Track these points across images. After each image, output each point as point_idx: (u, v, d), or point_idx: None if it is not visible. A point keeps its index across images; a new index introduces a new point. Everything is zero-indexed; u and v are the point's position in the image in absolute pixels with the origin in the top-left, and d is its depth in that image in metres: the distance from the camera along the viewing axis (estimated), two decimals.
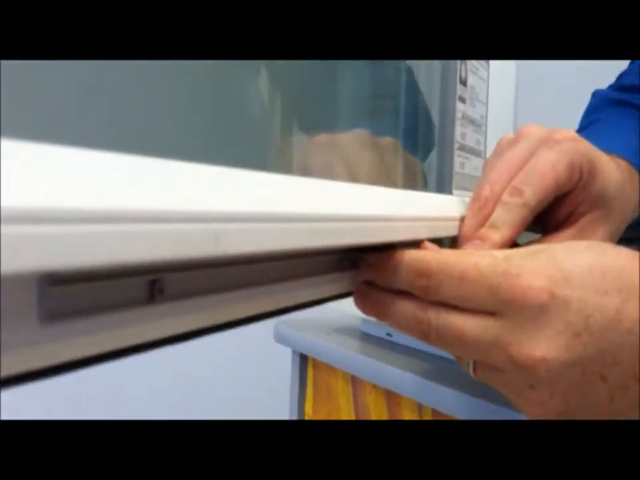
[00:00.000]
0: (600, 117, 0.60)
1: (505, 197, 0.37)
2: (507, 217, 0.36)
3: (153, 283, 0.21)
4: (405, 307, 0.31)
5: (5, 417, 1.10)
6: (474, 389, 0.49)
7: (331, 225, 0.24)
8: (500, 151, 0.41)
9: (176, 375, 1.44)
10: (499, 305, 0.28)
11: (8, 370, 0.16)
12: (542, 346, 0.27)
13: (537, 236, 0.42)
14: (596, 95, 0.63)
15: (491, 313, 0.28)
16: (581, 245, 0.29)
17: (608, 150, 0.45)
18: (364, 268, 0.33)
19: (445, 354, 0.59)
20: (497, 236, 0.36)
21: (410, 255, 0.31)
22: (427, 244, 0.34)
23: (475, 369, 0.31)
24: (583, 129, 0.62)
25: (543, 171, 0.37)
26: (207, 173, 0.20)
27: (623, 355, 0.26)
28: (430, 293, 0.30)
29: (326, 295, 0.32)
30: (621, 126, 0.55)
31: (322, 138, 0.45)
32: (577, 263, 0.27)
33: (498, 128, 0.46)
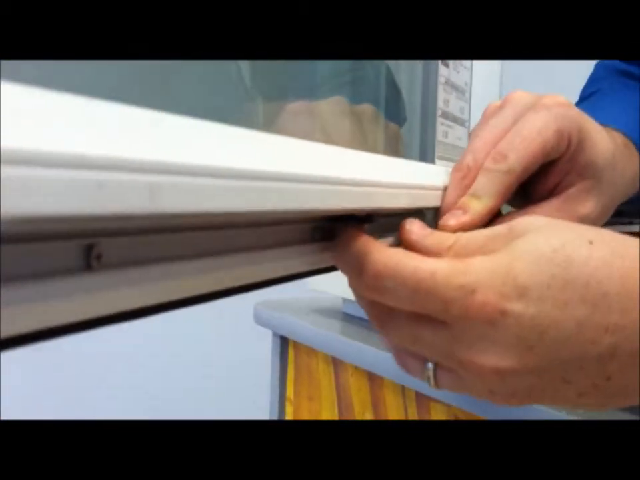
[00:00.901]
0: (601, 87, 0.58)
1: (488, 164, 0.35)
2: (490, 185, 0.34)
3: (89, 248, 0.18)
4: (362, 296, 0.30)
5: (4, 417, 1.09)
6: None
7: (292, 186, 0.22)
8: (485, 119, 0.39)
9: (153, 360, 1.42)
10: (450, 318, 0.26)
11: None
12: (492, 358, 0.26)
13: None
14: (599, 64, 0.61)
15: (443, 322, 0.27)
16: (548, 246, 0.26)
17: (605, 122, 0.43)
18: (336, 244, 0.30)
19: None
20: (478, 206, 0.34)
21: (366, 244, 0.28)
22: (409, 225, 0.31)
23: (435, 376, 0.29)
24: (583, 100, 0.60)
25: (529, 136, 0.35)
26: (152, 119, 0.17)
27: (588, 362, 0.25)
28: (373, 294, 0.28)
29: (295, 269, 0.29)
30: (622, 99, 0.53)
31: (297, 105, 0.43)
32: (537, 276, 0.25)
33: (483, 96, 0.44)
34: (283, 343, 0.70)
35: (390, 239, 0.33)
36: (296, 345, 0.68)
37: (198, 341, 1.45)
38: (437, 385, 0.29)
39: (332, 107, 0.43)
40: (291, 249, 0.28)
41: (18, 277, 0.16)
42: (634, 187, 0.44)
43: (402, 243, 0.32)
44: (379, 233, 0.32)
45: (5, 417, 1.12)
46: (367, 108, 0.46)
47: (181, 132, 0.18)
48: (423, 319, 0.27)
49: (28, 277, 0.16)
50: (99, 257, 0.18)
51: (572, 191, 0.37)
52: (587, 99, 0.58)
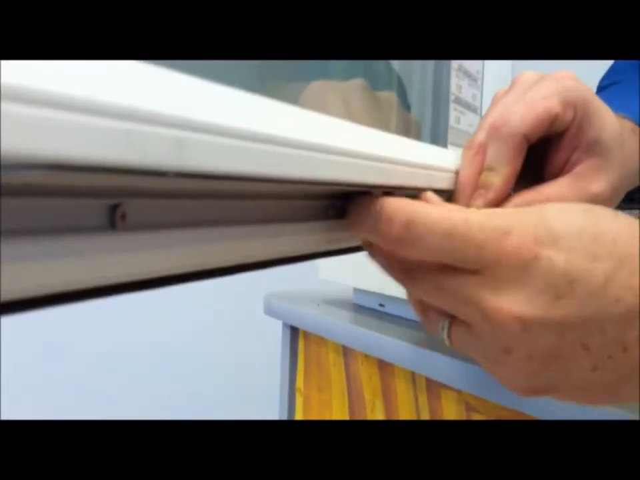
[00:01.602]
0: (621, 79, 0.58)
1: (493, 133, 0.35)
2: (500, 152, 0.35)
3: (114, 208, 0.18)
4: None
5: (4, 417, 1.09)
6: (468, 356, 0.47)
7: (314, 155, 0.22)
8: (495, 101, 0.39)
9: (165, 351, 1.42)
10: (483, 263, 0.26)
11: None
12: (519, 303, 0.25)
13: None
14: None
15: (472, 271, 0.26)
16: (576, 207, 0.27)
17: (617, 111, 0.43)
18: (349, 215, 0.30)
19: None
20: (497, 179, 0.34)
21: (393, 201, 0.28)
22: (430, 194, 0.32)
23: (449, 333, 0.29)
24: (600, 90, 0.60)
25: (532, 101, 0.35)
26: (184, 81, 0.17)
27: (610, 325, 0.25)
28: (403, 244, 0.27)
29: (309, 244, 0.29)
30: (637, 89, 0.53)
31: (321, 83, 0.44)
32: (567, 225, 0.26)
33: (495, 84, 0.44)
34: (293, 333, 0.70)
35: None
36: (306, 335, 0.68)
37: (209, 332, 1.46)
38: (451, 342, 0.29)
39: (354, 87, 0.44)
40: (306, 224, 0.29)
41: (42, 230, 0.16)
42: None
43: None
44: None
45: (4, 417, 1.12)
46: (387, 94, 0.46)
47: (211, 95, 0.18)
48: (449, 268, 0.27)
49: (53, 232, 0.17)
50: (123, 217, 0.18)
51: (580, 168, 0.37)
52: (604, 89, 0.58)
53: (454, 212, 0.27)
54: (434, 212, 0.27)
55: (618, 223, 0.26)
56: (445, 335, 0.29)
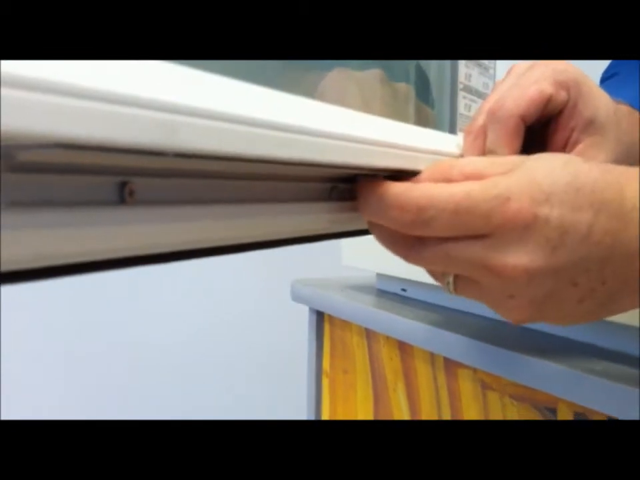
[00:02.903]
0: (620, 70, 0.59)
1: (489, 117, 0.37)
2: (498, 135, 0.36)
3: (123, 184, 0.21)
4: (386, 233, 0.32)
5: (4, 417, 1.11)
6: (484, 336, 0.49)
7: (302, 137, 0.24)
8: (494, 89, 0.41)
9: (195, 336, 1.46)
10: (490, 229, 0.29)
11: None
12: (524, 258, 0.29)
13: None
14: None
15: (478, 236, 0.29)
16: (558, 162, 0.30)
17: (615, 98, 0.44)
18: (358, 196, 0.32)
19: (457, 306, 0.59)
20: None
21: (396, 186, 0.30)
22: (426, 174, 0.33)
23: (455, 287, 0.32)
24: (604, 80, 0.60)
25: (524, 85, 0.37)
26: (180, 71, 0.20)
27: (592, 264, 0.29)
28: (416, 228, 0.30)
29: (313, 225, 0.31)
30: (636, 80, 0.54)
31: (339, 72, 0.46)
32: (555, 182, 0.29)
33: None
34: (319, 317, 0.72)
35: None
36: (331, 319, 0.70)
37: (240, 317, 1.49)
38: (456, 292, 0.33)
39: (372, 77, 0.46)
40: (310, 205, 0.31)
41: (59, 203, 0.19)
42: None
43: None
44: None
45: (4, 417, 1.15)
46: (403, 86, 0.48)
47: (207, 84, 0.20)
48: (454, 237, 0.30)
49: (68, 205, 0.19)
50: (131, 193, 0.21)
51: (580, 147, 0.38)
52: (606, 81, 0.58)
53: (455, 188, 0.29)
54: (439, 192, 0.29)
55: (593, 174, 0.29)
56: (451, 289, 0.33)
